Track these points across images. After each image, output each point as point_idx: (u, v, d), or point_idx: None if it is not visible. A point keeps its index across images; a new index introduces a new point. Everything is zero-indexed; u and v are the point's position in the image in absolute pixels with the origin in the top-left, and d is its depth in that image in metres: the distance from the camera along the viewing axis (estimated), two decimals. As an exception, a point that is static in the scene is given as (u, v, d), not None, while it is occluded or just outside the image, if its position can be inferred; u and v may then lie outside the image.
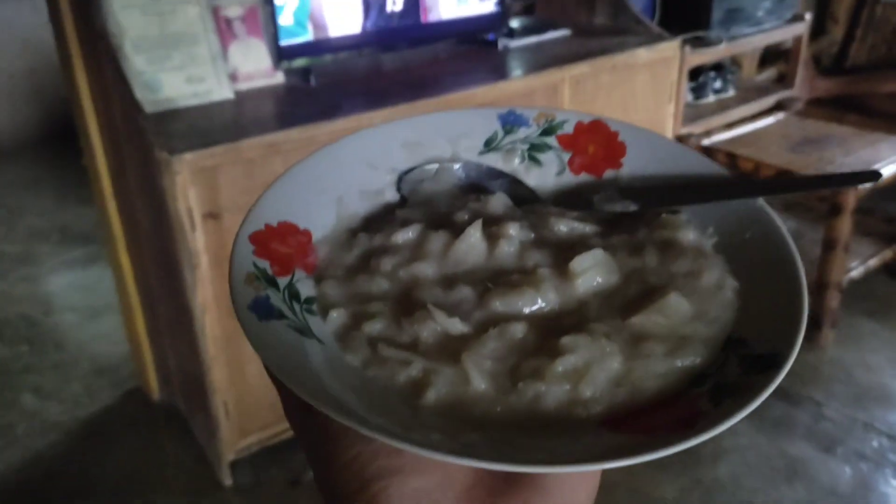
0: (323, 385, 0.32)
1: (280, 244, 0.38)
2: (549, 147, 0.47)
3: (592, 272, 0.38)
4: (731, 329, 0.35)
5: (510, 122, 0.47)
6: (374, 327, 0.36)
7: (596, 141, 0.47)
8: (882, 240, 2.73)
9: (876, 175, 0.40)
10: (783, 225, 0.39)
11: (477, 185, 0.46)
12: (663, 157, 0.45)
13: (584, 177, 0.47)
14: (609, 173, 0.46)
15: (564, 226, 0.42)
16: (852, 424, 2.17)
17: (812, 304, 2.45)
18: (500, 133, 0.47)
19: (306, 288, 0.38)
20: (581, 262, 0.38)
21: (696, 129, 2.68)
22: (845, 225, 2.34)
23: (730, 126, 2.78)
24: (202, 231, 1.65)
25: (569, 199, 0.45)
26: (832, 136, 2.71)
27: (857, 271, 2.54)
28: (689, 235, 0.41)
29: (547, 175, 0.47)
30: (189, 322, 1.74)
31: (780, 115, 2.88)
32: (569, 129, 0.47)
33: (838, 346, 2.48)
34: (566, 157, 0.47)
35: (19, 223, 3.64)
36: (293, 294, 0.37)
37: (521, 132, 0.47)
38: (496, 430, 0.31)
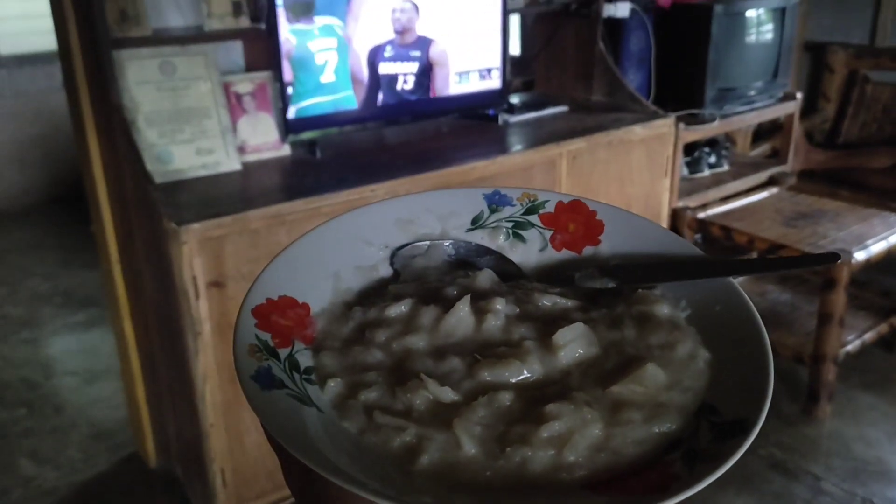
0: (322, 450, 0.34)
1: (280, 317, 0.41)
2: (532, 225, 0.50)
3: (574, 344, 0.40)
4: (704, 397, 0.38)
5: (495, 201, 0.50)
6: (370, 396, 0.38)
7: (576, 220, 0.50)
8: (877, 313, 2.76)
9: (835, 257, 0.43)
10: (749, 299, 0.42)
11: (466, 262, 0.49)
12: (639, 236, 0.48)
13: (565, 253, 0.50)
14: (588, 250, 0.49)
15: (548, 301, 0.44)
16: (851, 500, 2.15)
17: (809, 378, 2.47)
18: (487, 212, 0.50)
19: (305, 358, 0.40)
20: (563, 335, 0.40)
21: (692, 202, 2.73)
22: (840, 299, 2.36)
23: (725, 200, 2.84)
24: (206, 299, 1.68)
25: (552, 276, 0.48)
26: (825, 211, 2.76)
27: (853, 345, 2.55)
28: (664, 309, 0.43)
29: (530, 251, 0.50)
30: (190, 388, 1.76)
31: (773, 190, 2.94)
32: (550, 208, 0.50)
33: (836, 419, 2.48)
34: (548, 234, 0.50)
35: (23, 286, 3.68)
36: (293, 364, 0.39)
37: (506, 211, 0.50)
38: (485, 493, 0.33)
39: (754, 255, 3.10)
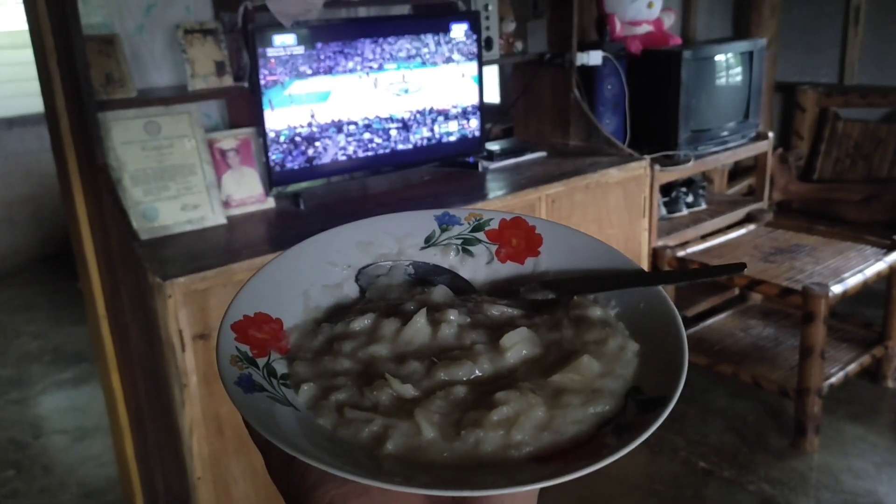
0: (301, 442, 0.38)
1: (257, 331, 0.45)
2: (479, 241, 0.55)
3: (520, 346, 0.45)
4: (632, 381, 0.43)
5: (445, 221, 0.55)
6: (340, 397, 0.42)
7: (517, 235, 0.55)
8: (860, 345, 2.79)
9: (741, 266, 0.49)
10: (668, 295, 0.48)
11: (424, 279, 0.54)
12: (573, 246, 0.54)
13: (509, 265, 0.55)
14: (530, 261, 0.54)
15: (496, 310, 0.49)
16: (842, 533, 2.16)
17: (795, 411, 2.49)
18: (438, 231, 0.55)
19: (281, 366, 0.45)
20: (510, 338, 0.45)
21: (671, 241, 2.78)
22: (819, 332, 2.40)
23: (704, 238, 2.89)
24: (191, 351, 1.70)
25: (499, 290, 0.53)
26: (802, 246, 2.82)
27: (836, 377, 2.58)
28: (596, 311, 0.48)
29: (479, 265, 0.55)
30: (177, 441, 1.77)
31: (751, 227, 3.00)
32: (494, 225, 0.55)
33: (824, 451, 2.49)
34: (493, 248, 0.55)
35: (12, 344, 3.68)
36: (270, 371, 0.43)
37: (455, 230, 0.55)
38: (444, 471, 0.38)
39: (736, 291, 3.15)
